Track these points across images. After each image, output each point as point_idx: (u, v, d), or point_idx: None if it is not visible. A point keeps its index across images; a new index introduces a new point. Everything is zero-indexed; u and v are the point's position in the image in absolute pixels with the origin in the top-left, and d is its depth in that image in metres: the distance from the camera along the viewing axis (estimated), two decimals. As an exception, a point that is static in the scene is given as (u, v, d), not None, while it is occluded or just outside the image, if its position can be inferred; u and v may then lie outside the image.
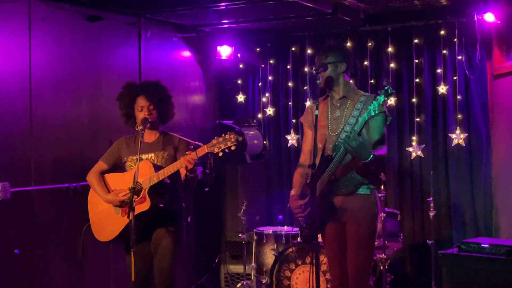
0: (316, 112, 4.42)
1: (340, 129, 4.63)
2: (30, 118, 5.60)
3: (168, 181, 4.70)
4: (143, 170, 4.65)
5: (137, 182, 4.63)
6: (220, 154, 4.48)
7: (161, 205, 4.69)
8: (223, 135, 4.48)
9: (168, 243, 4.79)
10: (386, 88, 4.31)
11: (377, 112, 4.33)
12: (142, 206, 4.62)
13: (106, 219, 4.87)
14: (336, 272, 4.75)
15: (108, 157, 4.99)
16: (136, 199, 4.63)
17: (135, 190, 4.56)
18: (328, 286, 5.99)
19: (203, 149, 4.52)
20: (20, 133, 5.54)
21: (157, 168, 4.68)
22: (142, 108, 4.80)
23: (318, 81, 4.52)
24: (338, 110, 4.69)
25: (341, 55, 4.71)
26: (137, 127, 4.74)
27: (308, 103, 7.37)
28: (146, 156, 4.83)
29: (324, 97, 4.82)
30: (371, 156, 4.42)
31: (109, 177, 4.96)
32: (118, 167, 4.98)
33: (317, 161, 4.68)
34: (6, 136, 5.42)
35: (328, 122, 4.69)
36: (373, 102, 4.34)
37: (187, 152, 4.55)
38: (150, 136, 4.90)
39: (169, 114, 4.96)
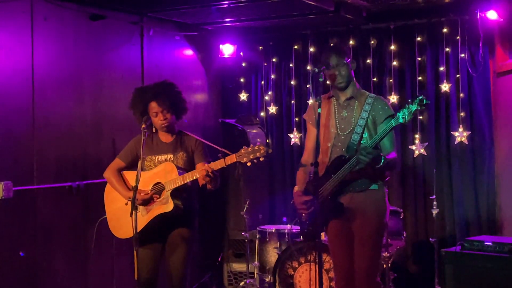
0: (319, 110, 4.43)
1: (349, 129, 4.66)
2: (32, 117, 5.60)
3: (190, 184, 4.74)
4: (167, 171, 4.70)
5: (159, 182, 4.71)
6: (249, 164, 4.50)
7: (181, 206, 4.73)
8: (251, 145, 4.49)
9: (182, 244, 4.85)
10: (421, 97, 4.27)
11: (406, 120, 4.30)
12: (165, 207, 4.67)
13: (125, 217, 4.85)
14: (342, 272, 4.76)
15: (125, 155, 5.00)
16: (157, 199, 4.67)
17: (157, 191, 4.70)
18: (331, 284, 6.00)
19: (232, 158, 4.54)
20: (23, 132, 5.55)
21: (179, 169, 4.71)
22: (156, 114, 4.82)
23: (320, 79, 4.52)
24: (345, 111, 4.71)
25: (346, 53, 4.74)
26: (142, 128, 4.74)
27: (311, 101, 7.38)
28: (165, 156, 4.85)
29: (328, 96, 4.82)
30: (382, 162, 4.44)
31: (128, 174, 4.98)
32: (135, 164, 4.97)
33: (322, 158, 4.70)
34: (9, 135, 5.43)
35: (336, 122, 4.71)
36: (403, 110, 4.30)
37: (203, 168, 4.58)
38: (167, 136, 4.91)
39: (183, 111, 4.98)
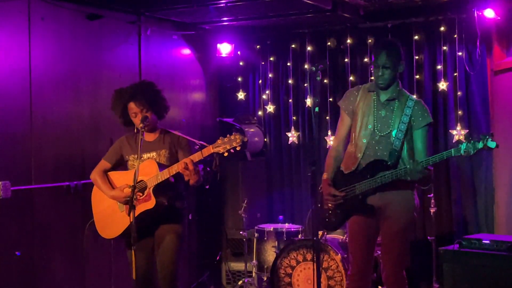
0: (316, 109, 4.44)
1: (387, 131, 4.65)
2: (30, 117, 5.60)
3: (173, 180, 4.72)
4: (148, 168, 4.69)
5: (142, 180, 4.68)
6: (226, 154, 4.50)
7: (165, 203, 4.72)
8: (228, 135, 4.49)
9: (171, 239, 4.83)
10: (490, 140, 4.30)
11: (470, 153, 4.33)
12: (147, 204, 4.66)
13: (110, 217, 4.90)
14: (356, 267, 4.80)
15: (110, 156, 5.02)
16: (140, 197, 4.66)
17: (140, 188, 4.66)
18: (329, 283, 6.02)
19: (209, 149, 4.54)
20: (21, 132, 5.54)
21: (161, 166, 4.70)
22: (135, 114, 4.83)
23: (317, 78, 4.51)
24: (384, 110, 4.69)
25: (400, 55, 4.69)
26: (139, 127, 4.74)
27: (308, 100, 7.39)
28: (148, 155, 4.86)
29: (368, 89, 4.78)
30: (430, 184, 4.51)
31: (113, 175, 4.99)
32: (120, 165, 5.02)
33: (356, 153, 4.71)
34: (7, 135, 5.42)
35: (374, 119, 4.70)
36: (468, 144, 4.31)
37: (185, 160, 4.57)
38: (150, 135, 4.92)
39: (163, 109, 4.97)
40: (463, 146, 4.33)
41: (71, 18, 5.97)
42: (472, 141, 4.32)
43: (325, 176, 4.81)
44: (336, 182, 4.77)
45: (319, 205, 4.84)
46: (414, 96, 4.78)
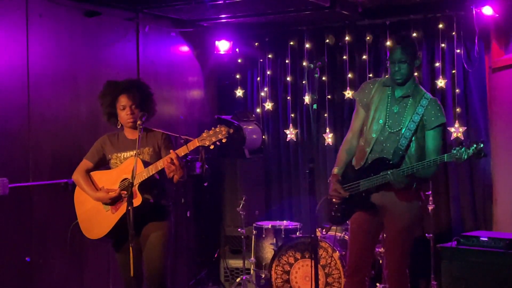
0: (315, 106, 4.45)
1: (397, 128, 4.62)
2: (28, 114, 5.59)
3: (158, 177, 4.71)
4: (132, 166, 4.65)
5: (126, 178, 4.67)
6: (212, 147, 4.46)
7: (151, 200, 4.70)
8: (213, 128, 4.45)
9: (157, 236, 4.79)
10: (480, 150, 4.29)
11: (461, 159, 4.32)
12: (134, 202, 4.61)
13: (95, 217, 4.85)
14: (352, 261, 4.82)
15: (92, 155, 4.97)
16: (126, 195, 4.63)
17: (125, 187, 4.63)
18: (327, 280, 6.02)
19: (194, 143, 4.50)
20: (18, 129, 5.54)
21: (145, 164, 4.67)
22: (124, 107, 4.79)
23: (316, 75, 4.51)
24: (397, 106, 4.66)
25: (416, 50, 4.68)
26: (137, 124, 4.71)
27: (306, 97, 7.38)
28: (131, 153, 4.80)
29: (383, 83, 4.76)
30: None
31: (95, 175, 4.94)
32: (102, 165, 4.97)
33: (364, 147, 4.71)
34: (4, 132, 5.42)
35: (386, 115, 4.67)
36: (460, 150, 4.30)
37: (170, 155, 4.54)
38: (133, 134, 4.86)
39: (151, 112, 4.92)
40: (454, 151, 4.33)
41: (69, 15, 5.97)
42: (465, 148, 4.31)
43: (335, 170, 4.80)
44: (345, 177, 4.77)
45: (328, 197, 4.85)
46: (429, 94, 4.71)
